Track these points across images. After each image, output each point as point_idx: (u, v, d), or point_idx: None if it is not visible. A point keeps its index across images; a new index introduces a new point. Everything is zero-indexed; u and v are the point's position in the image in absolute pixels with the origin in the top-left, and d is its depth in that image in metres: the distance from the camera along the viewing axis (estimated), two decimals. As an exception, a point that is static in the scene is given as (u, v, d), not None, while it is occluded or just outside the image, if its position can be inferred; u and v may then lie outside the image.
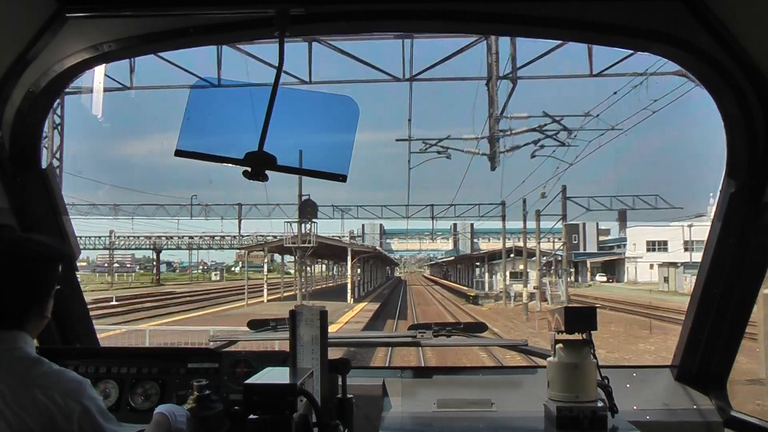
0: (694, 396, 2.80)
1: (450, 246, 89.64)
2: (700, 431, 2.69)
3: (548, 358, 2.42)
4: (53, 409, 1.81)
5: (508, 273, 47.59)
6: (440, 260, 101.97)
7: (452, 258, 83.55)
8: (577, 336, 2.35)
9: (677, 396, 2.83)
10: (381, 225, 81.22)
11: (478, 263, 67.87)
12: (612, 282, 69.85)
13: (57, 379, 1.87)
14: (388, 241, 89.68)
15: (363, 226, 74.91)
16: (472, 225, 72.25)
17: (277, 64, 2.28)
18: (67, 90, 2.67)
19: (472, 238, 78.61)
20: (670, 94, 21.57)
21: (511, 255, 50.18)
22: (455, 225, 75.84)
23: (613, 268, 74.54)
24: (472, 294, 51.45)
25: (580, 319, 2.35)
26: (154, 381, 2.64)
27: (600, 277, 72.46)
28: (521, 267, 49.56)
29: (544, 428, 2.37)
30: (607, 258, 76.85)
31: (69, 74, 2.53)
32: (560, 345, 2.37)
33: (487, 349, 19.18)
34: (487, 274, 59.40)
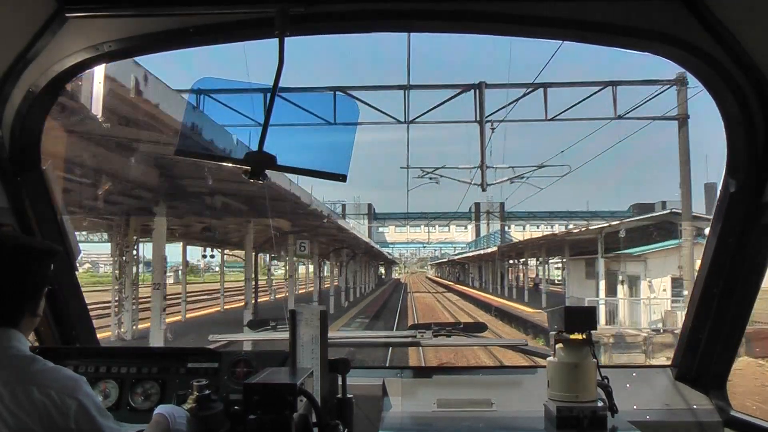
0: (694, 396, 2.80)
1: (468, 236, 62.58)
2: (700, 431, 2.69)
3: (548, 358, 2.42)
4: (50, 406, 1.81)
5: (668, 280, 22.29)
6: (459, 256, 67.35)
7: (494, 249, 47.00)
8: (577, 336, 2.35)
9: (677, 396, 2.83)
10: (370, 205, 55.56)
11: (521, 258, 40.33)
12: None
13: (53, 376, 1.88)
14: (381, 230, 60.75)
15: (344, 206, 50.02)
16: (502, 204, 47.04)
17: (277, 65, 2.28)
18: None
19: (503, 224, 49.31)
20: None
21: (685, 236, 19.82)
22: (477, 205, 49.83)
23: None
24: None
25: (580, 318, 2.35)
26: (154, 381, 2.64)
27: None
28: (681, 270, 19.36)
29: (544, 428, 2.37)
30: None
31: (69, 74, 2.53)
32: (560, 345, 2.37)
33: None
34: (602, 283, 25.36)
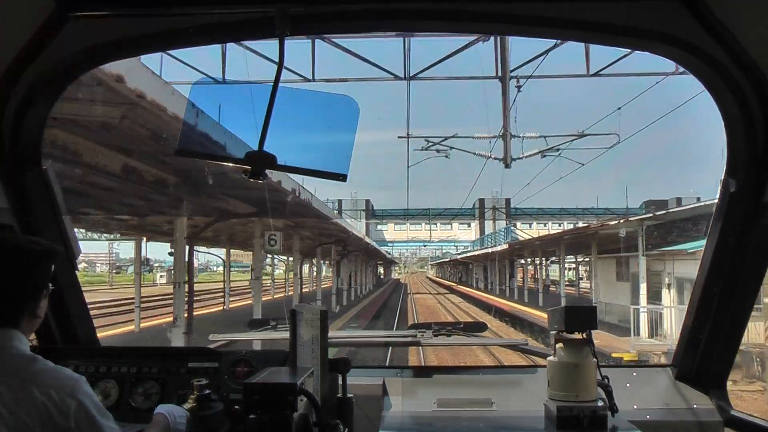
0: (694, 395, 2.80)
1: (472, 235, 57.10)
2: (700, 431, 2.69)
3: (548, 358, 2.43)
4: (50, 405, 1.82)
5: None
6: (462, 255, 61.81)
7: (503, 247, 40.90)
8: (577, 335, 2.35)
9: (677, 395, 2.83)
10: (368, 201, 49.13)
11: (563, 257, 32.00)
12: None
13: (53, 376, 1.88)
14: (379, 227, 54.86)
15: (340, 202, 44.76)
16: (508, 200, 42.68)
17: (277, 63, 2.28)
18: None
19: (508, 221, 44.27)
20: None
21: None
22: (482, 201, 44.77)
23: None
24: None
25: (580, 318, 2.35)
26: (155, 380, 2.64)
27: None
28: None
29: (544, 428, 2.37)
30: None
31: (69, 74, 2.53)
32: (560, 344, 2.37)
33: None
34: (643, 286, 20.18)
